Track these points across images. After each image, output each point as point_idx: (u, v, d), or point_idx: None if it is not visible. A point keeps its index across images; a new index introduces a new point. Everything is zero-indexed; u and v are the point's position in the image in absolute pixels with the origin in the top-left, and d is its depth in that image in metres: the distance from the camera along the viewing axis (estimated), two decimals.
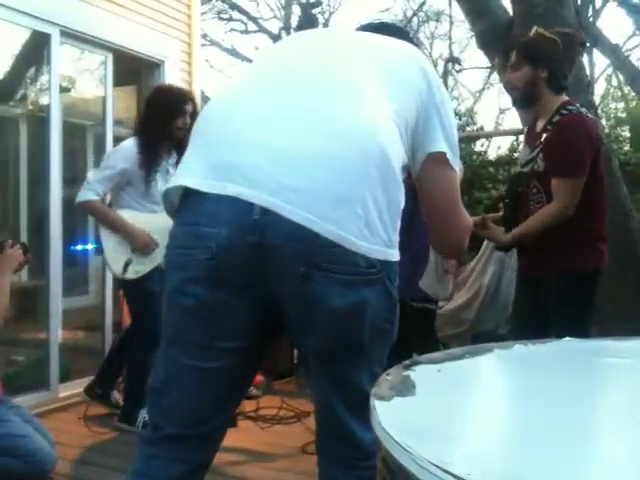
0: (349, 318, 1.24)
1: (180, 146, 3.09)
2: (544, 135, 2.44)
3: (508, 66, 2.50)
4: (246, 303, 1.27)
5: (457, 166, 1.41)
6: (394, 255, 1.27)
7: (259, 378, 3.99)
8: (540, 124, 2.50)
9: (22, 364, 3.99)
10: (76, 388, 3.71)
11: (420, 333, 3.50)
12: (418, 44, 1.69)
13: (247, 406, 3.50)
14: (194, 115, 3.13)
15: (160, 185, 3.12)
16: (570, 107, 2.42)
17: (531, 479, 0.77)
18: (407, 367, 1.24)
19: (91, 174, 3.23)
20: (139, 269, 3.16)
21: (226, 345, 1.29)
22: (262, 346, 1.39)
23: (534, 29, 2.51)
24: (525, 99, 2.49)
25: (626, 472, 0.79)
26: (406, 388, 1.11)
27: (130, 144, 3.19)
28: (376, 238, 1.21)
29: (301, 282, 1.20)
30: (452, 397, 1.12)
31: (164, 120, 3.16)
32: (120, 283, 3.33)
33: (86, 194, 3.13)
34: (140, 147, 3.14)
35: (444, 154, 1.38)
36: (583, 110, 2.48)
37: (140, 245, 3.15)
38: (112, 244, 3.16)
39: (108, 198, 3.29)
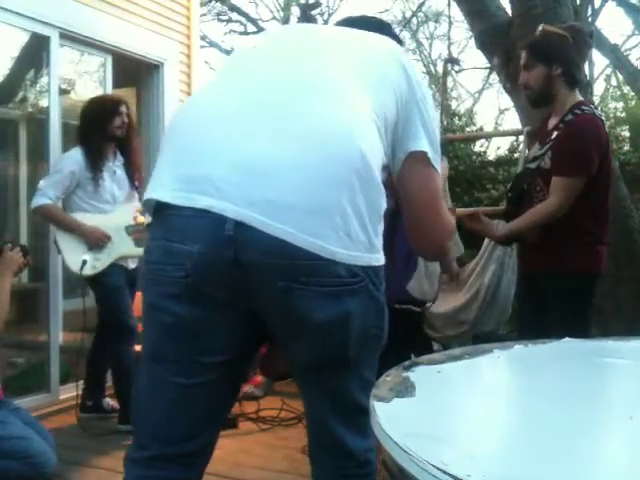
0: (333, 330, 1.20)
1: (123, 146, 3.44)
2: (555, 133, 2.43)
3: (522, 67, 2.48)
4: (227, 318, 1.23)
5: (438, 165, 1.36)
6: (378, 259, 1.23)
7: (260, 379, 3.99)
8: (553, 122, 2.49)
9: (22, 366, 3.98)
10: (76, 390, 3.71)
11: (405, 335, 3.50)
12: (399, 38, 1.64)
13: (248, 407, 3.50)
14: (130, 117, 3.45)
15: (108, 185, 3.38)
16: (584, 107, 2.41)
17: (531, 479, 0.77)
18: (407, 368, 1.24)
19: (42, 181, 3.38)
20: (97, 264, 3.31)
21: (209, 361, 1.25)
22: (247, 357, 1.36)
23: (541, 27, 2.49)
24: (541, 98, 2.47)
25: (626, 472, 0.79)
26: (406, 389, 1.11)
27: (75, 150, 3.40)
28: (357, 245, 1.17)
29: (281, 297, 1.17)
30: (452, 398, 1.12)
31: (103, 122, 3.38)
32: (88, 284, 3.42)
33: (39, 199, 3.29)
34: (84, 150, 3.35)
35: (425, 153, 1.33)
36: (597, 112, 2.47)
37: (93, 240, 3.31)
38: (68, 245, 3.31)
39: (60, 203, 3.42)
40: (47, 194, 3.28)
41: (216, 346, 1.25)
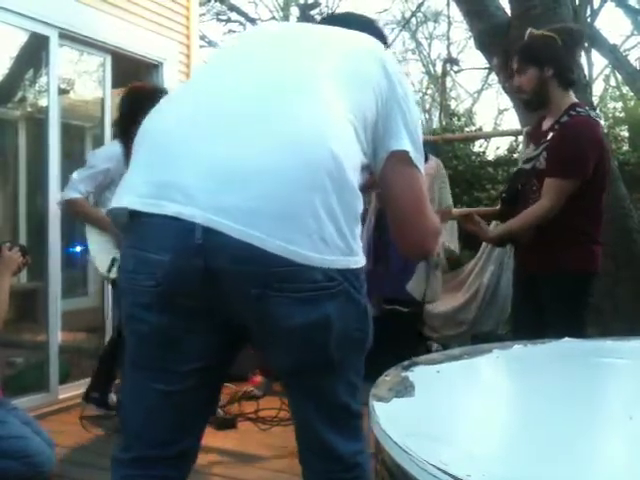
0: (312, 335, 1.18)
1: None
2: (550, 134, 2.43)
3: (514, 72, 2.49)
4: (202, 325, 1.22)
5: (421, 164, 1.33)
6: (357, 262, 1.20)
7: (259, 379, 3.99)
8: (548, 123, 2.49)
9: (21, 366, 3.98)
10: (75, 390, 3.70)
11: (395, 335, 3.51)
12: (384, 35, 1.60)
13: (247, 407, 3.50)
14: None
15: None
16: (579, 109, 2.41)
17: (530, 479, 0.77)
18: (406, 368, 1.25)
19: (75, 174, 3.27)
20: None
21: (187, 368, 1.25)
22: (226, 363, 1.35)
23: (528, 31, 2.52)
24: (536, 100, 2.47)
25: (625, 472, 0.79)
26: (405, 389, 1.11)
27: (113, 144, 3.26)
28: (333, 249, 1.14)
29: (255, 304, 1.15)
30: (451, 398, 1.12)
31: (145, 114, 3.19)
32: (110, 283, 3.36)
33: (69, 192, 3.19)
34: (124, 145, 3.16)
35: (407, 152, 1.30)
36: (592, 114, 2.48)
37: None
38: (97, 243, 3.21)
39: (92, 199, 3.33)
40: (78, 188, 3.16)
41: (193, 353, 1.24)
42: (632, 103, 8.09)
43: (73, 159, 4.60)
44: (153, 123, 1.28)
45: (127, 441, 1.32)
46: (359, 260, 1.20)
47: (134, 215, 1.18)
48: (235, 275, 1.12)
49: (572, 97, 2.47)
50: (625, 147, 5.92)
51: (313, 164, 1.13)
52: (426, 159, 1.52)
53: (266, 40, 1.40)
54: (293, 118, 1.17)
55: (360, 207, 1.21)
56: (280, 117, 1.17)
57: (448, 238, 3.41)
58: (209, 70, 1.39)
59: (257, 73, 1.26)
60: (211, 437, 3.03)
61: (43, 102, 3.96)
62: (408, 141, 1.30)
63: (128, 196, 1.19)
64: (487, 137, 7.29)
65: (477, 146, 6.76)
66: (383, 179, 1.34)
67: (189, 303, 1.19)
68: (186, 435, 1.33)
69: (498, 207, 2.79)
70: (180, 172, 1.14)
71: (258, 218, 1.10)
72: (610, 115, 6.71)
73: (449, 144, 5.90)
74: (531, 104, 2.52)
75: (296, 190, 1.11)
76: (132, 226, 1.20)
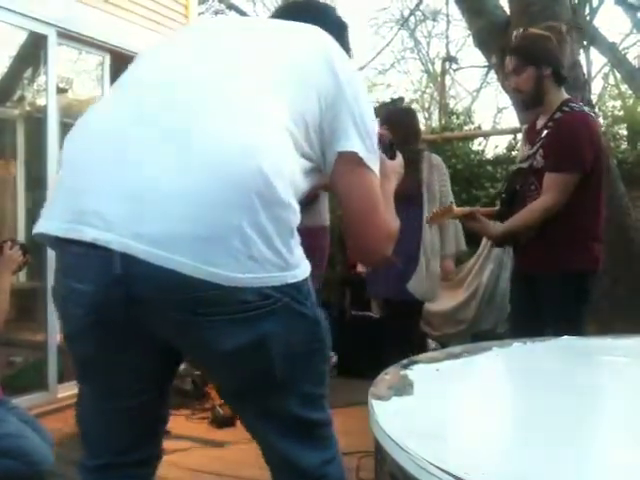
0: (250, 356, 1.14)
1: None
2: (545, 132, 2.44)
3: (510, 71, 2.49)
4: (140, 348, 1.20)
5: (374, 164, 1.27)
6: (295, 276, 1.15)
7: None
8: (541, 121, 2.51)
9: (20, 365, 3.98)
10: (74, 389, 3.68)
11: (397, 336, 3.52)
12: (343, 24, 1.52)
13: None
14: None
15: None
16: (572, 105, 2.44)
17: (530, 477, 0.77)
18: (405, 366, 1.25)
19: None
20: None
21: (132, 387, 1.24)
22: (173, 373, 1.35)
23: (520, 30, 2.55)
24: (533, 99, 2.48)
25: (625, 470, 0.79)
26: (404, 387, 1.11)
27: None
28: (266, 266, 1.09)
29: (186, 331, 1.12)
30: (451, 396, 1.12)
31: None
32: None
33: None
34: None
35: (356, 154, 1.24)
36: (586, 109, 2.49)
37: None
38: None
39: None
40: None
41: (134, 375, 1.23)
42: (631, 101, 8.08)
43: None
44: (72, 143, 1.22)
45: (88, 449, 1.32)
46: (298, 273, 1.16)
47: (56, 240, 1.14)
48: (160, 302, 1.09)
49: (564, 94, 2.49)
50: (624, 145, 5.91)
51: (238, 183, 1.07)
52: (394, 157, 1.48)
53: (196, 42, 1.31)
54: (217, 137, 1.10)
55: (294, 220, 1.15)
56: (203, 137, 1.10)
57: (452, 241, 3.38)
58: (129, 81, 1.30)
59: (181, 86, 1.18)
60: (210, 435, 3.04)
61: (41, 101, 3.96)
62: (358, 141, 1.24)
63: (47, 221, 1.16)
64: (486, 135, 7.28)
65: (476, 144, 6.75)
66: (333, 181, 1.28)
67: (118, 331, 1.16)
68: (143, 444, 1.32)
69: (497, 207, 2.79)
70: (98, 197, 1.10)
71: (179, 242, 1.05)
72: (609, 114, 6.70)
73: (448, 142, 5.89)
74: (528, 103, 2.54)
75: (220, 212, 1.06)
76: (57, 251, 1.19)
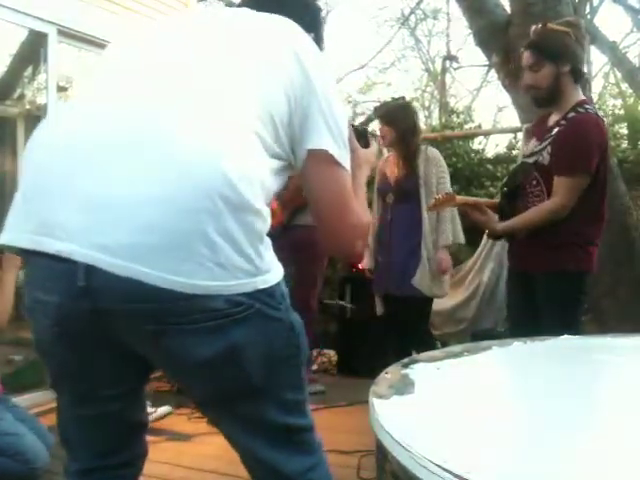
0: (222, 365, 1.11)
1: None
2: (556, 129, 2.42)
3: (527, 67, 2.45)
4: (109, 359, 1.19)
5: (345, 160, 1.24)
6: (266, 281, 1.12)
7: None
8: (554, 118, 2.47)
9: (20, 364, 3.98)
10: None
11: (401, 334, 3.51)
12: (315, 13, 1.48)
13: None
14: None
15: None
16: (587, 106, 2.40)
17: (530, 476, 0.77)
18: (406, 365, 1.24)
19: None
20: None
21: (105, 394, 1.22)
22: (147, 378, 1.33)
23: (538, 26, 2.48)
24: (550, 96, 2.43)
25: (625, 470, 0.79)
26: (405, 386, 1.11)
27: None
28: (235, 272, 1.06)
29: (155, 342, 1.09)
30: (451, 395, 1.12)
31: None
32: None
33: None
34: None
35: (326, 151, 1.21)
36: (600, 113, 2.46)
37: None
38: None
39: None
40: None
41: (106, 382, 1.22)
42: (631, 100, 8.09)
43: None
44: (33, 150, 1.19)
45: (70, 454, 1.32)
46: (270, 278, 1.13)
47: (21, 251, 1.13)
48: (126, 314, 1.07)
49: (580, 93, 2.46)
50: (624, 144, 5.90)
51: (202, 189, 1.04)
52: (367, 145, 1.44)
53: (158, 40, 1.28)
54: (180, 142, 1.06)
55: (263, 224, 1.11)
56: (165, 142, 1.06)
57: (448, 231, 3.34)
58: (92, 83, 1.26)
59: (144, 87, 1.15)
60: (208, 434, 3.03)
61: (41, 99, 3.96)
62: (329, 138, 1.21)
63: (11, 233, 1.14)
64: (486, 134, 7.28)
65: (476, 143, 6.75)
66: (304, 178, 1.26)
67: (89, 339, 1.14)
68: (125, 447, 1.32)
69: (497, 200, 2.78)
70: (60, 207, 1.07)
71: (141, 252, 1.02)
72: (609, 112, 6.69)
73: (448, 141, 5.89)
74: (544, 100, 2.47)
75: (183, 219, 1.02)
76: (24, 260, 1.18)
